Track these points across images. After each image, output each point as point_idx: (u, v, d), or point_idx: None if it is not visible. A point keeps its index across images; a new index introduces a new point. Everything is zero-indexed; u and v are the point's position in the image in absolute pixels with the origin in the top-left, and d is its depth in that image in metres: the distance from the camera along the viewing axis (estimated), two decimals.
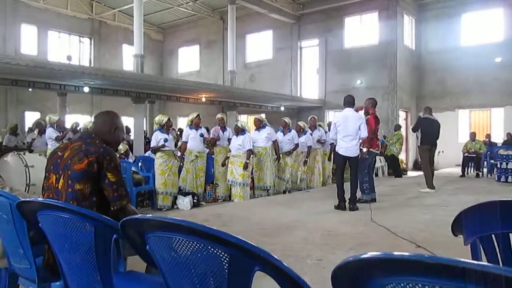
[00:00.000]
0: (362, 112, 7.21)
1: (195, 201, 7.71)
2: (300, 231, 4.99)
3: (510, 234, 1.60)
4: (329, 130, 8.78)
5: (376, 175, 11.91)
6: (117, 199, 2.19)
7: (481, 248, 1.67)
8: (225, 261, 1.09)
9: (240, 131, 7.89)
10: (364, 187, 7.12)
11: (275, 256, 1.03)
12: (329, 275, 0.88)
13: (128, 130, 15.23)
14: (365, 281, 0.83)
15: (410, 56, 16.88)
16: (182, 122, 19.64)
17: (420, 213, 6.22)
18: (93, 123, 2.59)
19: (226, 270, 1.09)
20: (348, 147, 6.51)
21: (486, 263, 0.69)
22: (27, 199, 1.79)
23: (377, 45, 16.30)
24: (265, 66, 19.71)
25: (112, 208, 2.19)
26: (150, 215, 1.80)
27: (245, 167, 7.65)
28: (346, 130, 6.50)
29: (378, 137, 7.39)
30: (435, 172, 9.24)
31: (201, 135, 8.12)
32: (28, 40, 18.62)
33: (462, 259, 0.70)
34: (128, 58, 19.11)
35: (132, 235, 1.37)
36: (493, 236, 1.63)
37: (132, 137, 14.03)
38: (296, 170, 9.25)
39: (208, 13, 20.71)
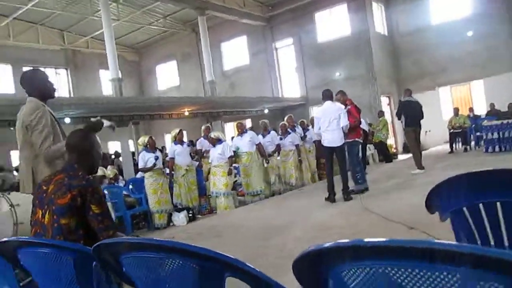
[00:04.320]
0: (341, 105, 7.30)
1: (190, 215, 7.70)
2: (293, 230, 5.01)
3: (480, 205, 1.63)
4: (312, 126, 8.81)
5: (368, 163, 11.99)
6: (103, 229, 2.19)
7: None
8: (196, 271, 1.11)
9: (215, 141, 7.90)
10: (358, 176, 7.16)
11: (242, 261, 1.05)
12: None
13: (117, 154, 15.14)
14: (321, 270, 0.86)
15: (384, 42, 17.03)
16: (168, 139, 19.56)
17: (411, 195, 6.24)
18: (67, 147, 2.42)
19: (198, 281, 1.11)
20: (332, 138, 6.62)
21: (429, 240, 0.72)
22: (4, 239, 1.78)
23: (350, 36, 16.41)
24: (244, 71, 19.75)
25: (100, 239, 2.18)
26: (141, 237, 1.80)
27: (229, 173, 7.68)
28: (328, 122, 6.63)
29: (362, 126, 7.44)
30: (423, 151, 9.30)
31: (189, 144, 8.27)
32: (3, 79, 18.45)
33: (402, 239, 0.72)
34: (107, 83, 19.00)
35: (107, 259, 1.37)
36: (464, 209, 1.66)
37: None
38: (289, 169, 9.28)
39: (180, 27, 20.73)
